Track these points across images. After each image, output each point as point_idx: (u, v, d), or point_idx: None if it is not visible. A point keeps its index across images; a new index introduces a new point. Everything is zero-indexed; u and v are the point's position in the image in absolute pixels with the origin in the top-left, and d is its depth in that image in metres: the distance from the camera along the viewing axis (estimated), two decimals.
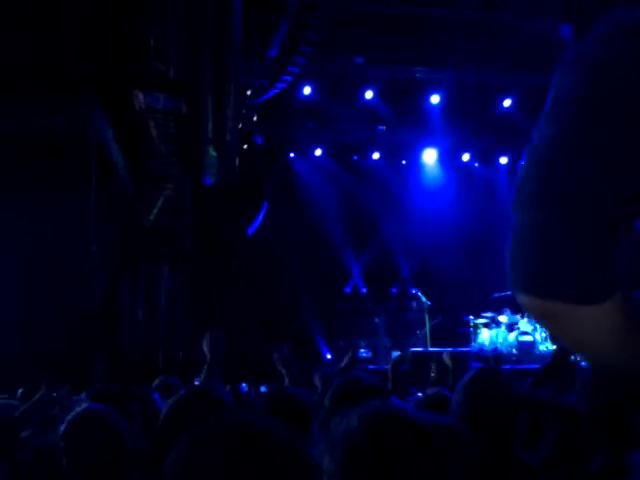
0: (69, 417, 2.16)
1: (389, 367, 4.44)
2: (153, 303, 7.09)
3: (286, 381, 4.14)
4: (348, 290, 11.01)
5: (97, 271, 6.92)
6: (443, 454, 0.98)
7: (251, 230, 9.20)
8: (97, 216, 7.03)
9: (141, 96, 7.94)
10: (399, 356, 5.67)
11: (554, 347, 9.97)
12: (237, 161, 8.87)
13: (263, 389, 5.57)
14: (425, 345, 10.08)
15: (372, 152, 12.07)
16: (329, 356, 9.71)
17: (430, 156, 12.24)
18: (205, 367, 2.86)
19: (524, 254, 0.67)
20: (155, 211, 7.50)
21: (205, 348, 2.84)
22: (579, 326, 0.67)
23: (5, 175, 6.73)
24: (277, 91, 10.11)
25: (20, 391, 4.57)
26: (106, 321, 6.73)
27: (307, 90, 10.74)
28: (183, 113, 8.14)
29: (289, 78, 9.95)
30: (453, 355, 4.88)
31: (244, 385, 5.66)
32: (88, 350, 6.03)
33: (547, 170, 0.67)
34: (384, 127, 11.43)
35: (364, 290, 11.02)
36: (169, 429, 1.69)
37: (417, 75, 10.92)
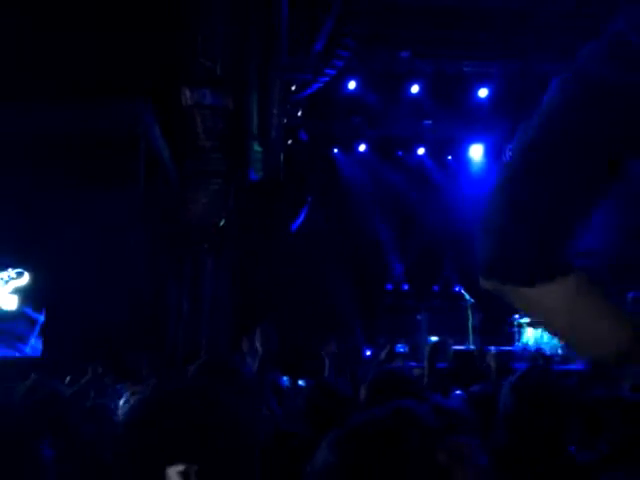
0: (131, 407, 2.23)
1: (425, 357, 4.38)
2: (198, 297, 7.24)
3: (326, 373, 4.17)
4: (390, 287, 10.95)
5: (145, 265, 7.11)
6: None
7: (295, 225, 9.26)
8: (145, 211, 7.21)
9: (188, 92, 8.07)
10: (434, 343, 5.55)
11: None
12: (282, 157, 8.92)
13: (301, 383, 5.60)
14: (468, 343, 9.96)
15: (417, 147, 11.92)
16: (369, 352, 9.70)
17: (477, 151, 12.01)
18: (258, 361, 2.91)
19: (483, 245, 0.80)
20: (201, 206, 7.63)
21: (257, 343, 2.89)
22: (530, 301, 0.80)
23: (56, 172, 6.97)
24: (321, 85, 10.10)
25: (68, 378, 4.73)
26: (153, 314, 6.92)
27: (352, 85, 10.69)
28: (229, 109, 8.24)
29: (333, 72, 9.92)
30: (497, 355, 4.79)
31: (285, 379, 5.69)
32: (135, 341, 6.22)
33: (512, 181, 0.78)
34: (430, 122, 11.26)
35: (406, 287, 10.94)
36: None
37: (465, 69, 10.71)
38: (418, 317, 10.53)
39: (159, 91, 7.73)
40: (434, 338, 9.36)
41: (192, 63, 8.21)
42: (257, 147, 8.51)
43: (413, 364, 8.68)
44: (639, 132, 0.72)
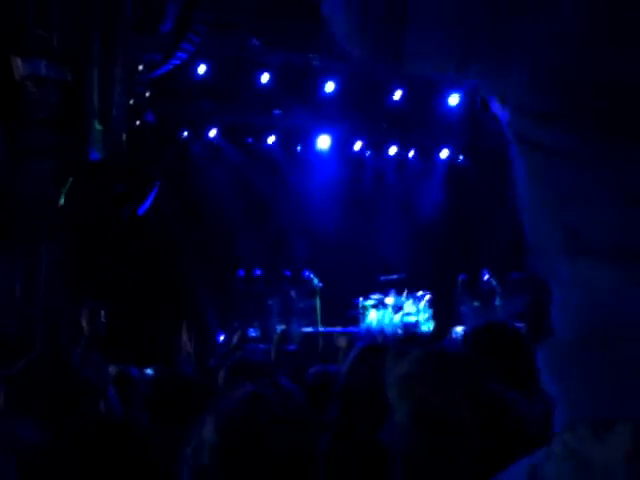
0: None
1: (272, 345, 4.59)
2: (32, 280, 6.70)
3: (179, 362, 4.14)
4: (242, 273, 11.02)
5: None
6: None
7: (142, 210, 8.92)
8: None
9: (20, 62, 7.43)
10: (281, 333, 5.88)
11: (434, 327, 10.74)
12: (125, 137, 8.54)
13: (149, 371, 5.47)
14: (316, 326, 10.36)
15: (268, 135, 12.09)
16: (222, 337, 9.70)
17: (324, 142, 12.49)
18: (82, 342, 2.84)
19: None
20: (35, 184, 7.06)
21: (83, 322, 2.84)
22: None
23: None
24: (170, 67, 9.83)
25: None
26: None
27: (202, 69, 10.55)
28: (68, 82, 7.71)
29: (183, 55, 9.71)
30: (348, 337, 5.11)
31: (134, 369, 5.51)
32: None
33: None
34: (280, 111, 11.49)
35: (258, 272, 11.08)
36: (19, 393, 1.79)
37: (313, 62, 11.07)
38: (269, 302, 10.74)
39: None
40: (282, 326, 9.62)
41: (25, 32, 7.56)
42: (98, 125, 8.06)
43: (262, 346, 8.85)
44: None
